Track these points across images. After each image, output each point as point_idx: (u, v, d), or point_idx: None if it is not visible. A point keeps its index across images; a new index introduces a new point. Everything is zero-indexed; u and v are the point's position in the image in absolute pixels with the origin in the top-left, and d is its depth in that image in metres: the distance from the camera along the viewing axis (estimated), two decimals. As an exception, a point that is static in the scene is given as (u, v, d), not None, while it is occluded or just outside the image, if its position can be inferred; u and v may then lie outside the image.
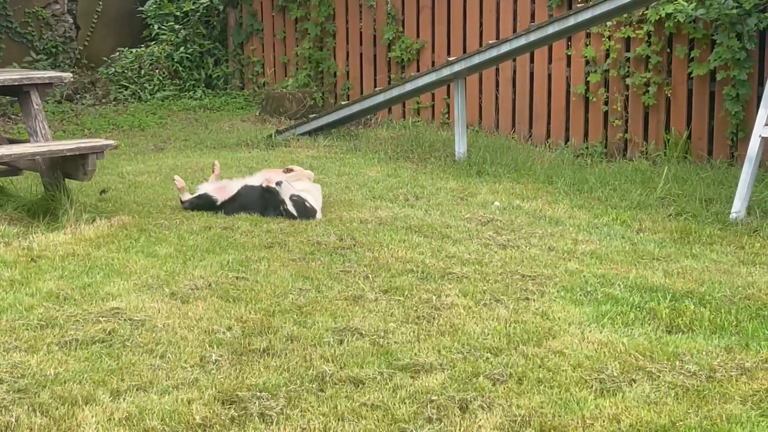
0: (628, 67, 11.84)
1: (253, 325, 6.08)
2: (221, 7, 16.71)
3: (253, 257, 7.53)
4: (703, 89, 11.28)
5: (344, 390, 5.18)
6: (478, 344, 5.82)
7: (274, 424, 4.82)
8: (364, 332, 5.98)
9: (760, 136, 8.87)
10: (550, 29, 10.54)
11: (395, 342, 5.85)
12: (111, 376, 5.33)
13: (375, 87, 14.04)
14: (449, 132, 12.66)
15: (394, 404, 4.99)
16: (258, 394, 5.10)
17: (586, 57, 12.15)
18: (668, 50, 11.53)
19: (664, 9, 11.15)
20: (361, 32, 14.83)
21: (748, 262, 7.62)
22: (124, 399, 5.07)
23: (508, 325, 6.16)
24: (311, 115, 13.48)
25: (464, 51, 13.08)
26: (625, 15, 11.48)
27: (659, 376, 5.39)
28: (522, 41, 10.80)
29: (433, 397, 5.06)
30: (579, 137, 12.32)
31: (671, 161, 11.02)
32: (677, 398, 5.13)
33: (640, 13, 11.52)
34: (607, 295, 6.74)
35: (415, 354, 5.65)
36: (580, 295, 6.78)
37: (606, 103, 12.10)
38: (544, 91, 12.69)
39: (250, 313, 6.30)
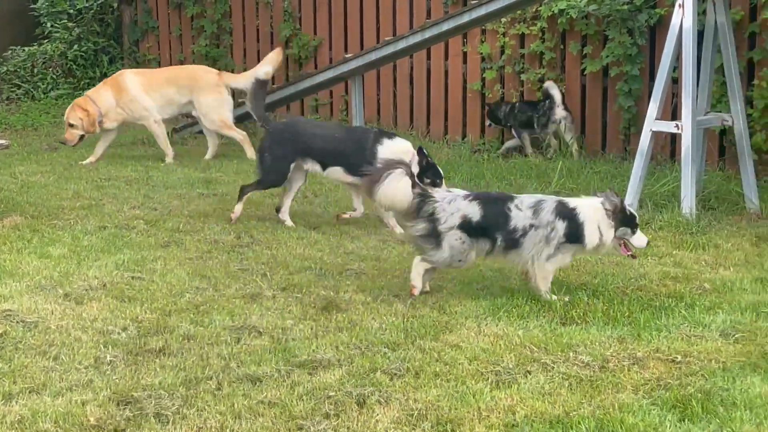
0: (523, 63, 11.97)
1: (149, 324, 6.02)
2: (115, 5, 16.48)
3: (149, 256, 7.45)
4: (596, 85, 11.46)
5: (242, 388, 5.16)
6: (375, 339, 5.84)
7: (170, 423, 4.78)
8: (261, 330, 5.96)
9: (651, 130, 9.04)
10: (445, 26, 10.62)
11: (293, 339, 5.84)
12: (2, 379, 5.24)
13: (272, 84, 13.97)
14: (347, 129, 12.65)
15: (292, 401, 4.99)
16: (154, 393, 5.05)
17: (482, 54, 12.25)
18: (562, 47, 11.69)
19: (557, 5, 11.29)
20: (258, 29, 14.75)
21: (640, 254, 7.75)
22: (16, 402, 4.98)
23: (405, 319, 6.20)
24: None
25: (361, 48, 13.08)
26: (519, 12, 11.61)
27: (553, 367, 5.46)
28: (418, 38, 10.86)
29: (331, 393, 5.07)
30: (476, 133, 12.43)
31: (566, 156, 11.17)
32: (571, 388, 5.21)
33: (534, 10, 11.65)
34: (503, 289, 6.83)
35: (313, 350, 5.65)
36: (477, 288, 6.85)
37: (502, 99, 12.21)
38: (441, 88, 12.77)
39: (145, 312, 6.24)
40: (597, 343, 5.82)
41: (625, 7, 10.78)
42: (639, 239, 6.77)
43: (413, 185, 6.63)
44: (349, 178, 8.54)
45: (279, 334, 5.90)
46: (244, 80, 11.38)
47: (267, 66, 11.24)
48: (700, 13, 9.41)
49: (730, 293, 6.78)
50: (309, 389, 5.13)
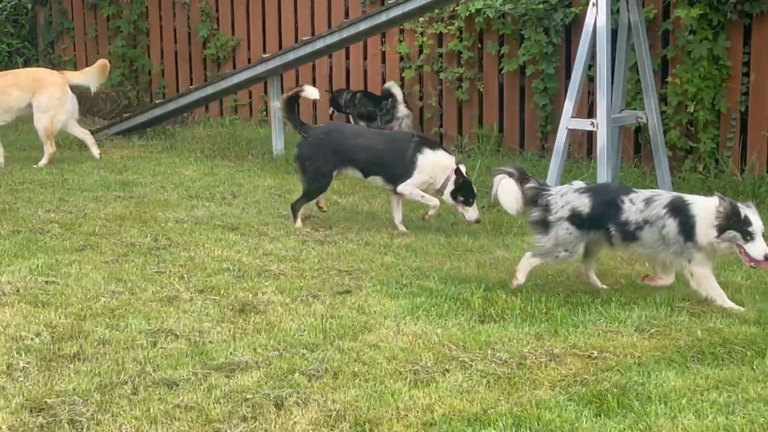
0: (442, 62, 12.02)
1: (63, 330, 5.92)
2: (30, 5, 16.23)
3: (64, 261, 7.33)
4: (513, 84, 11.54)
5: (158, 392, 5.09)
6: (294, 341, 5.81)
7: (85, 429, 4.70)
8: (178, 333, 5.89)
9: (567, 128, 9.13)
10: (363, 26, 10.62)
11: (210, 342, 5.78)
12: None
13: (191, 85, 13.87)
14: (267, 129, 12.61)
15: (209, 404, 4.94)
16: (68, 399, 4.96)
17: (401, 53, 12.29)
18: (479, 46, 11.75)
19: (473, 5, 11.35)
20: (175, 30, 14.62)
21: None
22: (-76, 411, 4.86)
23: (324, 320, 6.17)
24: (125, 115, 13.24)
25: (280, 48, 13.04)
26: (436, 11, 11.65)
27: (472, 365, 5.48)
28: (335, 37, 10.85)
29: (248, 396, 5.02)
30: (395, 132, 12.44)
31: (484, 154, 11.24)
32: (489, 386, 5.23)
33: (452, 10, 11.71)
34: (423, 288, 6.83)
35: (231, 353, 5.60)
36: (396, 288, 6.85)
37: (421, 99, 12.27)
38: (359, 88, 12.76)
39: (60, 318, 6.13)
40: (515, 340, 5.85)
41: (541, 6, 10.88)
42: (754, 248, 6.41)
43: (526, 182, 6.85)
44: (389, 187, 8.60)
45: (196, 337, 5.83)
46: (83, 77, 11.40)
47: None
48: (614, 12, 9.53)
49: (645, 289, 6.86)
50: (226, 392, 5.08)
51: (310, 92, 8.94)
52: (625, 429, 4.74)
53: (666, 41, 10.49)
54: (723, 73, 10.04)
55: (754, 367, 5.45)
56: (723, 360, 5.58)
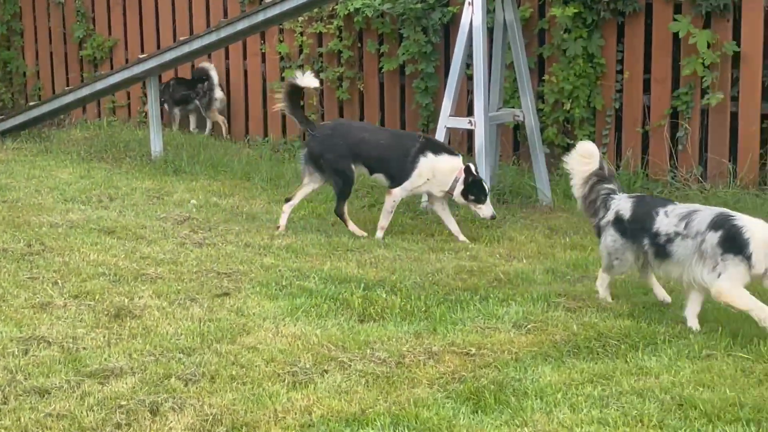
0: (322, 62, 11.99)
1: (-70, 339, 5.74)
2: None
3: (-69, 269, 7.11)
4: (393, 83, 11.57)
5: (29, 401, 4.96)
6: (171, 345, 5.72)
7: (-48, 443, 4.57)
8: (51, 340, 5.75)
9: (445, 126, 9.19)
10: (240, 25, 10.52)
11: (84, 348, 5.66)
12: None
13: (67, 86, 13.59)
14: (146, 131, 12.40)
15: (82, 412, 4.83)
16: (-66, 412, 4.81)
17: (281, 53, 12.22)
18: (359, 45, 11.76)
19: (352, 4, 11.35)
20: (50, 30, 14.32)
21: (437, 249, 7.88)
22: None
23: (202, 323, 6.09)
24: (-1, 117, 12.93)
25: (158, 48, 12.86)
26: (315, 10, 11.62)
27: (351, 365, 5.46)
28: (213, 37, 10.73)
29: (123, 402, 4.93)
30: (277, 133, 12.39)
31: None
32: (367, 386, 5.22)
33: (331, 9, 11.68)
34: (302, 288, 6.79)
35: (105, 359, 5.49)
36: (276, 289, 6.80)
37: (302, 98, 12.18)
38: (240, 88, 12.68)
39: (-74, 328, 5.94)
40: (394, 339, 5.86)
41: (419, 5, 10.92)
42: None
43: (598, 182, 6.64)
44: (386, 184, 8.44)
45: (69, 344, 5.70)
46: None
47: None
48: (491, 11, 9.62)
49: (523, 285, 6.94)
50: (100, 399, 4.98)
51: (306, 81, 8.55)
52: (501, 425, 4.78)
53: (542, 40, 10.62)
54: (598, 71, 10.21)
55: (628, 360, 5.55)
56: (598, 354, 5.66)
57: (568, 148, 10.25)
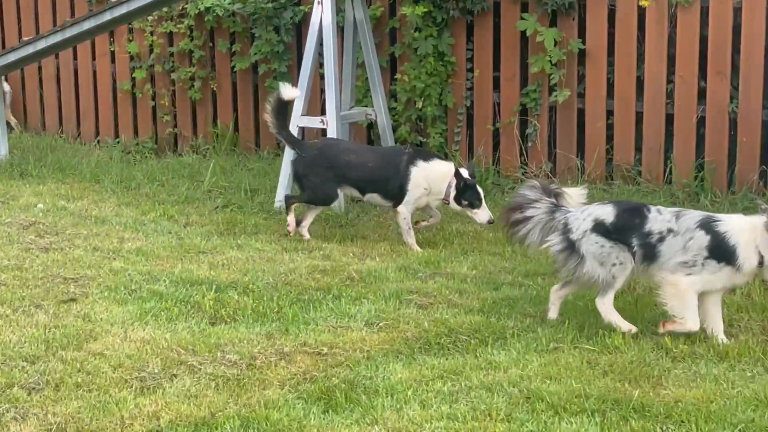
0: (173, 62, 11.82)
1: None
2: None
3: None
4: (246, 82, 11.48)
5: None
6: (14, 353, 5.57)
7: None
8: None
9: (297, 125, 9.15)
10: (87, 25, 10.28)
11: None
12: None
13: None
14: (-9, 134, 12.06)
15: None
16: None
17: (130, 53, 12.00)
18: (211, 44, 11.63)
19: (203, 3, 11.22)
20: None
21: (290, 249, 7.84)
22: None
23: (47, 330, 5.95)
24: None
25: (3, 48, 12.51)
26: (165, 10, 11.45)
27: (200, 369, 5.40)
28: (59, 37, 10.47)
29: (-38, 415, 4.78)
30: (129, 134, 12.16)
31: (220, 154, 11.14)
32: (217, 389, 5.17)
33: (181, 8, 11.53)
34: (152, 292, 6.69)
35: (-56, 370, 5.31)
36: (125, 293, 6.68)
37: (154, 99, 12.03)
38: (89, 88, 12.41)
39: None
40: (245, 341, 5.81)
41: (270, 5, 10.86)
42: None
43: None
44: (387, 203, 8.20)
45: None
46: None
47: None
48: (342, 10, 9.62)
49: (376, 283, 6.96)
50: (-62, 412, 4.82)
51: (289, 92, 8.32)
52: (352, 424, 4.78)
53: (393, 39, 10.67)
54: (448, 69, 10.29)
55: (478, 355, 5.61)
56: (448, 350, 5.72)
57: (421, 145, 10.36)
